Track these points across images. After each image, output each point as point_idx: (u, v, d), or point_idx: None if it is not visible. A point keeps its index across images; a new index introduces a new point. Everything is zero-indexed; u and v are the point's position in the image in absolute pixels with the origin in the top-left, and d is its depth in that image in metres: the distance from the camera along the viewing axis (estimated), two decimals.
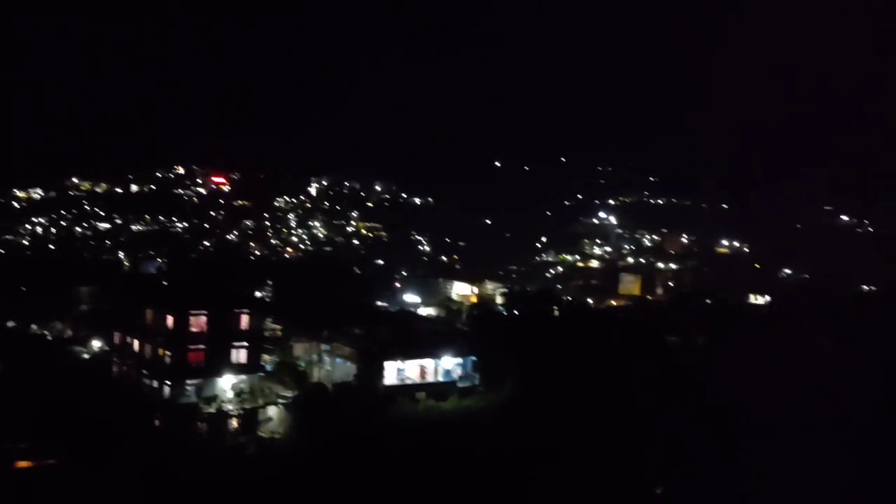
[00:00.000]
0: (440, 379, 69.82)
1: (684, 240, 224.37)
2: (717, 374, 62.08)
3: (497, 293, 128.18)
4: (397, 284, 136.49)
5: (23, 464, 45.04)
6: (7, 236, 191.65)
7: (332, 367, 70.28)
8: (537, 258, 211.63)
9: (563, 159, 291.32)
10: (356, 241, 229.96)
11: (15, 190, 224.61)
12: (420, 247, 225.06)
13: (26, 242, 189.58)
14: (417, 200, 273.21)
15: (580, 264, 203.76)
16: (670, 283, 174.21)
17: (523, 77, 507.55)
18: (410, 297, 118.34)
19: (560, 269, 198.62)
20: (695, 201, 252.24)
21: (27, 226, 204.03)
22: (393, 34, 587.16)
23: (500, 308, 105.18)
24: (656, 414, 55.21)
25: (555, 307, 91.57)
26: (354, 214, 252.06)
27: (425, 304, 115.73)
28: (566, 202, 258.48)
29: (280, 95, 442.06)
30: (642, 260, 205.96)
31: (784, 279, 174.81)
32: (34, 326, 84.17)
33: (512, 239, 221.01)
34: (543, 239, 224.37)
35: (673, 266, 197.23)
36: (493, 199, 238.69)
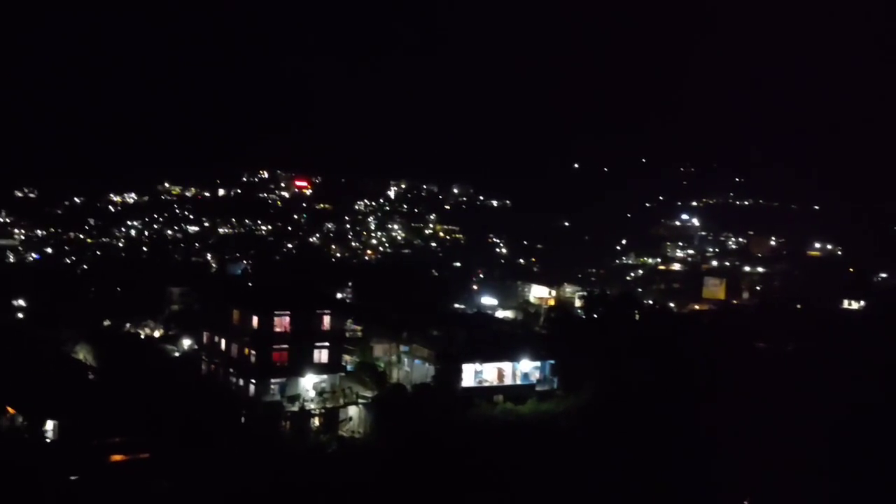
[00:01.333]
0: (518, 382, 69.29)
1: (772, 242, 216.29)
2: (809, 382, 59.61)
3: (576, 296, 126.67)
4: (474, 287, 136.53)
5: (117, 457, 47.07)
6: (103, 239, 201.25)
7: (411, 368, 70.83)
8: (617, 261, 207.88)
9: (643, 160, 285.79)
10: (434, 244, 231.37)
11: (111, 195, 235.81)
12: (497, 249, 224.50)
13: (121, 245, 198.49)
14: (495, 203, 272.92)
15: (662, 267, 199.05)
16: (757, 288, 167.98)
17: (601, 76, 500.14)
18: (488, 300, 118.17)
19: (641, 272, 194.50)
20: (783, 202, 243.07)
21: (122, 229, 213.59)
22: (464, 36, 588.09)
23: (579, 311, 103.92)
24: (744, 422, 53.43)
25: (636, 311, 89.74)
26: (432, 217, 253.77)
27: (502, 306, 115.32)
28: (647, 204, 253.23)
29: (361, 100, 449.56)
30: (727, 263, 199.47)
31: (880, 283, 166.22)
32: (128, 325, 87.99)
33: (591, 241, 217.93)
34: (623, 241, 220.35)
35: (760, 269, 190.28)
36: (571, 200, 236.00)
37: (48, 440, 48.56)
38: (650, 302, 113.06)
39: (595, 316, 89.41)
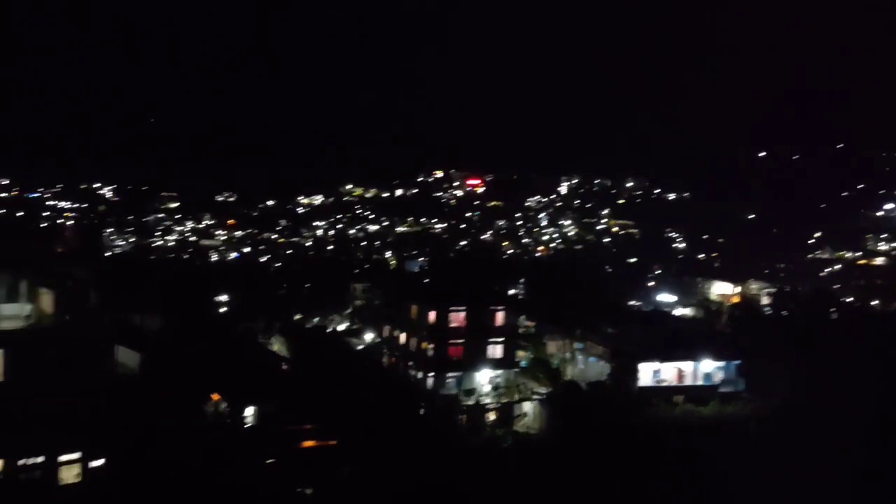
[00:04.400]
0: (699, 383, 66.56)
1: None
2: None
3: (763, 293, 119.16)
4: (651, 283, 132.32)
5: (308, 443, 50.29)
6: (293, 238, 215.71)
7: (585, 365, 70.05)
8: (809, 255, 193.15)
9: (840, 145, 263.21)
10: (607, 239, 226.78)
11: (300, 197, 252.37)
12: (675, 244, 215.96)
13: (309, 244, 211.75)
14: (672, 196, 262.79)
15: (862, 262, 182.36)
16: None
17: (782, 59, 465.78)
18: (665, 297, 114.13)
19: (837, 267, 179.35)
20: None
21: (310, 229, 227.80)
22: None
23: (767, 309, 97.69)
24: None
25: (832, 309, 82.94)
26: (605, 212, 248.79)
27: (681, 304, 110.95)
28: (844, 193, 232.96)
29: (532, 97, 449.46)
30: None
31: None
32: (316, 319, 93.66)
33: (779, 235, 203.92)
34: (817, 234, 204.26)
35: None
36: (756, 191, 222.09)
37: (247, 425, 52.78)
38: (850, 300, 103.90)
39: (785, 314, 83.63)
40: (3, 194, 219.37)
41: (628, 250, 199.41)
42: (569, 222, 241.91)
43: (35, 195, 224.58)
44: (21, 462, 40.25)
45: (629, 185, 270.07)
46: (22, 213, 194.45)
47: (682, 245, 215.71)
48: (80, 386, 41.62)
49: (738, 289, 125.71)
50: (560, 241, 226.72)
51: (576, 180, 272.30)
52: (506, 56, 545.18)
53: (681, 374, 66.51)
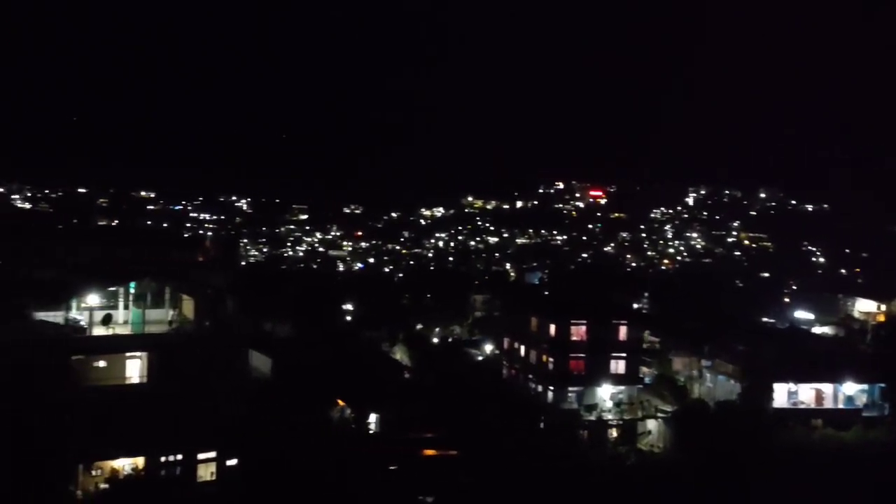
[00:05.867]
0: (840, 406, 62.62)
1: None
2: None
3: None
4: (786, 299, 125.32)
5: (429, 452, 50.90)
6: (415, 250, 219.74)
7: (714, 384, 67.38)
8: None
9: None
10: (738, 253, 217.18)
11: (422, 209, 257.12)
12: (813, 258, 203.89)
13: (430, 255, 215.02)
14: (809, 207, 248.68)
15: None
16: None
17: None
18: (802, 314, 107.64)
19: None
20: None
21: (431, 240, 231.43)
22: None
23: None
24: None
25: None
26: (735, 224, 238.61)
27: (820, 321, 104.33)
28: None
29: (647, 108, 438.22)
30: None
31: None
32: (437, 329, 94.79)
33: None
34: None
35: None
36: None
37: (371, 431, 54.08)
38: None
39: None
40: (150, 206, 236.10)
41: (761, 264, 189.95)
42: (696, 234, 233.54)
43: (178, 207, 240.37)
44: (163, 459, 43.00)
45: (762, 195, 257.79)
46: (166, 225, 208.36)
47: (821, 259, 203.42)
48: (218, 388, 44.04)
49: (884, 307, 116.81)
50: (687, 253, 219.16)
51: (703, 191, 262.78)
52: (607, 63, 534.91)
53: (820, 396, 63.04)
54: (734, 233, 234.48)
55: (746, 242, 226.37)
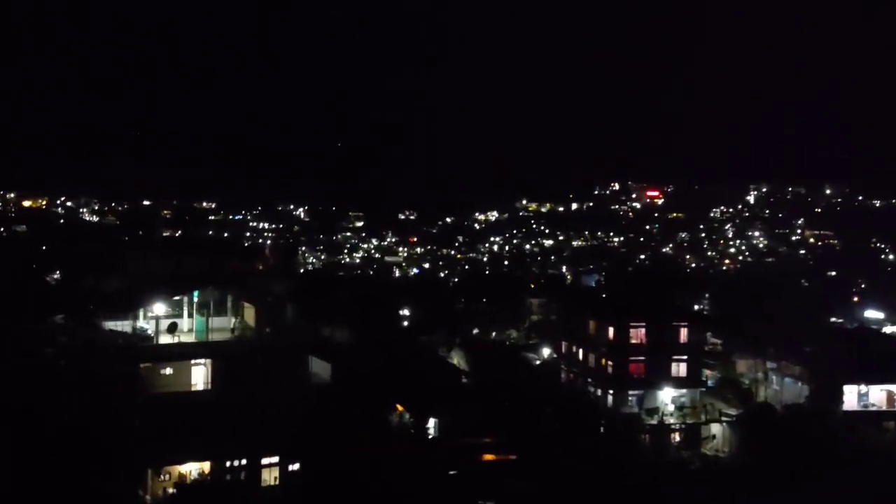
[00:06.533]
0: None
1: None
2: None
3: None
4: (854, 299, 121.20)
5: (488, 457, 50.82)
6: (470, 254, 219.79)
7: (780, 386, 65.73)
8: None
9: None
10: (803, 251, 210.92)
11: (477, 213, 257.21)
12: (883, 256, 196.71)
13: (485, 259, 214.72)
14: (877, 203, 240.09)
15: None
16: None
17: None
18: (873, 314, 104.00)
19: None
20: None
21: (486, 244, 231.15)
22: None
23: None
24: None
25: None
26: (799, 222, 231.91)
27: (891, 321, 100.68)
28: None
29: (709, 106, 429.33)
30: None
31: None
32: (493, 333, 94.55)
33: None
34: None
35: None
36: None
37: (429, 436, 54.25)
38: None
39: None
40: (211, 217, 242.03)
41: (828, 263, 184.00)
42: (758, 233, 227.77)
43: (238, 217, 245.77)
44: (228, 463, 43.96)
45: (827, 192, 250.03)
46: (227, 234, 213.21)
47: (891, 257, 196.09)
48: (280, 394, 44.86)
49: None
50: (749, 253, 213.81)
51: (765, 189, 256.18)
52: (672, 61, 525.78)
53: (891, 398, 61.39)
54: (798, 231, 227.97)
55: (812, 240, 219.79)
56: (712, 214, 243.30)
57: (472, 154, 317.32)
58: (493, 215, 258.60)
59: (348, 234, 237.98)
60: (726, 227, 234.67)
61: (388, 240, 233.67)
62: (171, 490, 41.67)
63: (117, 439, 38.79)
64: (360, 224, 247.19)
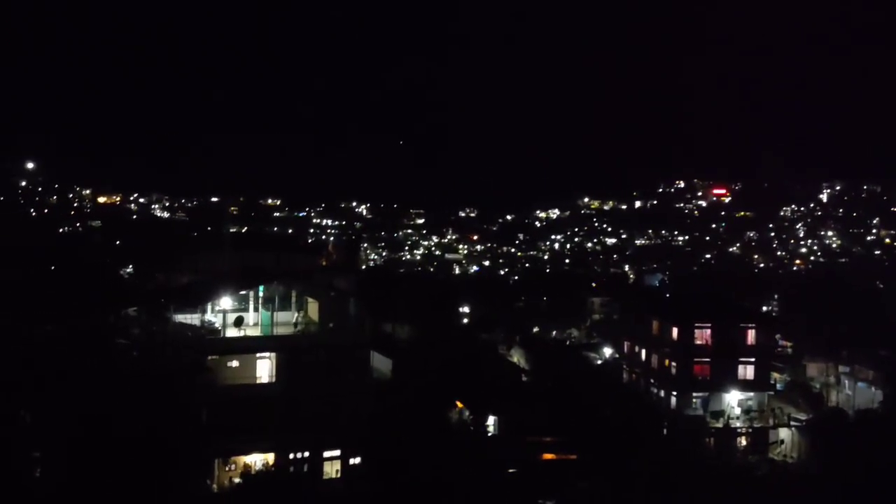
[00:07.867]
0: None
1: None
2: None
3: None
4: None
5: (548, 456, 50.47)
6: (531, 252, 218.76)
7: (853, 390, 63.64)
8: None
9: None
10: (878, 252, 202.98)
11: (538, 211, 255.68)
12: None
13: (546, 257, 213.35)
14: None
15: None
16: None
17: None
18: None
19: None
20: None
21: (547, 242, 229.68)
22: None
23: None
24: None
25: None
26: (875, 221, 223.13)
27: None
28: None
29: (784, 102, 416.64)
30: None
31: None
32: (554, 332, 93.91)
33: None
34: None
35: None
36: None
37: (490, 434, 54.20)
38: None
39: None
40: (276, 213, 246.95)
41: None
42: (831, 233, 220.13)
43: (302, 213, 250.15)
44: (291, 456, 44.82)
45: None
46: (291, 231, 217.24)
47: None
48: (342, 388, 45.49)
49: None
50: (821, 253, 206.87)
51: (839, 187, 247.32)
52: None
53: None
54: (874, 231, 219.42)
55: (888, 241, 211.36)
56: (782, 213, 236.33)
57: (534, 151, 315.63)
58: (555, 213, 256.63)
59: (409, 231, 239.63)
60: (797, 227, 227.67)
61: (449, 237, 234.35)
62: (237, 480, 42.70)
63: (187, 430, 39.86)
64: (420, 221, 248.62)
